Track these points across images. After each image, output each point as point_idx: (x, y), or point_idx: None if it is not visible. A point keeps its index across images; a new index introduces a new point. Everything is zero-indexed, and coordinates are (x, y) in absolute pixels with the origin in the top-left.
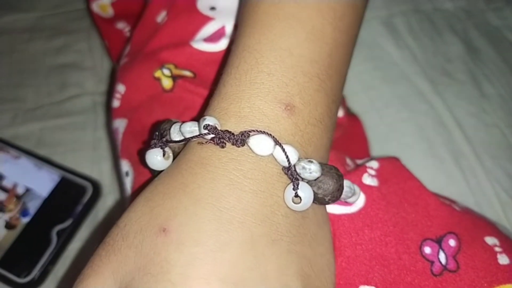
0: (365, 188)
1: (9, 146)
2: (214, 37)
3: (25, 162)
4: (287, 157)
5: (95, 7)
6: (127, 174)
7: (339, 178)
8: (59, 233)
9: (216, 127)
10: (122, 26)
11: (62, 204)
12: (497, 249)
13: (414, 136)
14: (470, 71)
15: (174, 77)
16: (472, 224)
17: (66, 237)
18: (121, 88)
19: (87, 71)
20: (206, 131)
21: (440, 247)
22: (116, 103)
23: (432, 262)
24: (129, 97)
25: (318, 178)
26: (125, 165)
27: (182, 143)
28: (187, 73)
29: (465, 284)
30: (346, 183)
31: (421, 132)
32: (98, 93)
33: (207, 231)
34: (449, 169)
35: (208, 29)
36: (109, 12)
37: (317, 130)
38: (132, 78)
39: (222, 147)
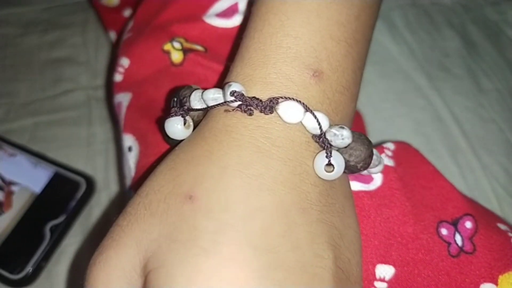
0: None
1: (3, 141)
2: (227, 13)
3: (19, 159)
4: (319, 123)
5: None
6: (130, 149)
7: (370, 144)
8: (52, 229)
9: (243, 94)
10: (129, 13)
11: (56, 200)
12: (510, 234)
13: (411, 131)
14: (467, 66)
15: (184, 51)
16: (484, 210)
17: (59, 233)
18: (124, 61)
19: (81, 65)
20: (232, 98)
21: (456, 229)
22: (118, 77)
23: (449, 243)
24: (133, 71)
25: (349, 145)
26: (128, 140)
27: (202, 111)
28: (199, 48)
29: (482, 266)
30: (373, 151)
31: (418, 127)
32: (92, 87)
33: (236, 198)
34: (446, 165)
35: (221, 5)
36: (115, 1)
37: (344, 99)
38: (138, 51)
39: (250, 114)
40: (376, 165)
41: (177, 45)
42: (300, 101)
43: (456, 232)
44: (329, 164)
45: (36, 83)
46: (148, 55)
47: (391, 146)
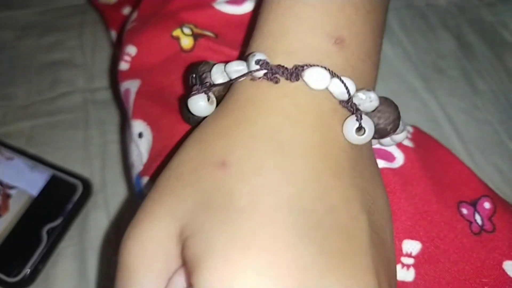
0: (404, 148)
1: (0, 145)
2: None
3: (16, 162)
4: (346, 88)
5: None
6: (140, 135)
7: (396, 106)
8: (49, 232)
9: (268, 62)
10: (128, 11)
11: (52, 203)
12: None
13: None
14: (462, 67)
15: (195, 36)
16: (499, 195)
17: (56, 236)
18: (131, 50)
19: (78, 68)
20: (257, 67)
21: (475, 209)
22: (124, 66)
23: (470, 222)
24: (142, 58)
25: (376, 108)
26: (139, 126)
27: (223, 86)
28: (209, 34)
29: (503, 245)
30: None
31: None
32: (89, 90)
33: (268, 163)
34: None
35: None
36: None
37: (366, 67)
38: (146, 38)
39: (276, 82)
40: (403, 130)
41: (187, 30)
42: (325, 67)
43: (476, 212)
44: (359, 128)
45: (33, 86)
46: (157, 42)
47: (410, 128)
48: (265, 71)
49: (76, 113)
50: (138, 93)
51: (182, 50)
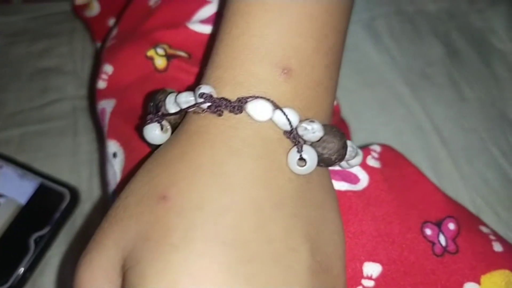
0: (368, 169)
1: None
2: (211, 19)
3: (5, 170)
4: (288, 119)
5: (86, 12)
6: (114, 155)
7: (342, 135)
8: (37, 241)
9: (211, 95)
10: (113, 23)
11: (40, 211)
12: (492, 237)
13: (391, 140)
14: (450, 75)
15: (168, 57)
16: (467, 213)
17: (44, 245)
18: (108, 68)
19: (67, 75)
20: (201, 100)
21: (440, 230)
22: (102, 84)
23: (433, 243)
24: (117, 78)
25: (321, 138)
26: (113, 146)
27: (178, 114)
28: (182, 54)
29: (465, 267)
30: (348, 143)
31: (399, 137)
32: (78, 97)
33: (207, 196)
34: (424, 172)
35: (205, 12)
36: (95, 8)
37: (316, 94)
38: (121, 58)
39: (219, 115)
40: (354, 157)
41: (160, 51)
42: (268, 99)
43: (440, 233)
44: (301, 158)
45: (23, 93)
46: (131, 61)
47: (377, 148)
48: (209, 104)
49: (65, 120)
50: (112, 112)
51: (156, 70)
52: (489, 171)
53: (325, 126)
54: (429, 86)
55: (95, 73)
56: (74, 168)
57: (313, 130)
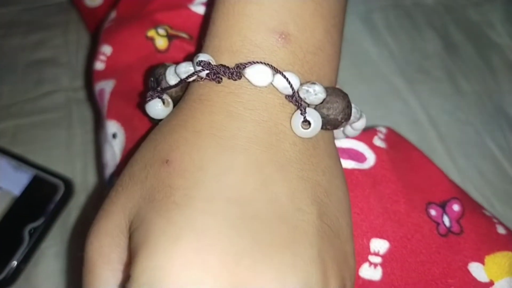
0: (375, 149)
1: None
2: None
3: (0, 162)
4: (289, 82)
5: (87, 1)
6: (114, 136)
7: (345, 95)
8: (31, 232)
9: (209, 63)
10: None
11: (35, 203)
12: (494, 220)
13: None
14: (446, 68)
15: (169, 37)
16: (470, 197)
17: (38, 236)
18: (106, 49)
19: (62, 67)
20: (200, 68)
21: (444, 211)
22: (99, 65)
23: (437, 223)
24: (117, 58)
25: (324, 99)
26: (113, 126)
27: (182, 85)
28: (183, 35)
29: (469, 247)
30: (352, 104)
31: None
32: (72, 89)
33: (209, 158)
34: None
35: None
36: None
37: (318, 59)
38: (121, 38)
39: (218, 82)
40: (358, 118)
41: (161, 31)
42: (267, 64)
43: (444, 214)
44: (305, 121)
45: (18, 85)
46: (132, 42)
47: (383, 129)
48: (207, 71)
49: (59, 112)
50: (112, 93)
51: (157, 50)
52: (485, 164)
53: (327, 88)
54: (425, 79)
55: (91, 59)
56: (69, 159)
57: (315, 92)
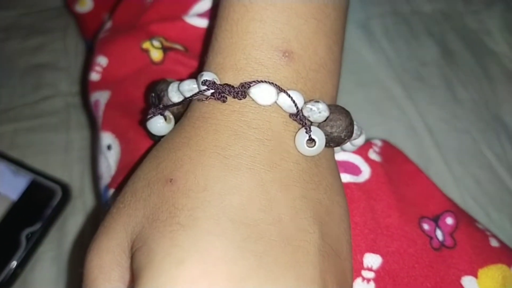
0: (370, 162)
1: None
2: (208, 13)
3: None
4: (293, 101)
5: (76, 7)
6: (109, 147)
7: (348, 113)
8: (28, 237)
9: (215, 82)
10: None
11: (32, 207)
12: (487, 233)
13: None
14: (444, 76)
15: (164, 49)
16: (463, 210)
17: (35, 241)
18: (102, 60)
19: (61, 71)
20: (205, 87)
21: (437, 225)
22: (95, 76)
23: (431, 238)
24: (112, 70)
25: (328, 117)
26: (108, 138)
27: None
28: (178, 47)
29: (462, 261)
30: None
31: (392, 138)
32: (71, 94)
33: (214, 177)
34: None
35: (203, 5)
36: (88, 4)
37: (320, 76)
38: (116, 49)
39: (223, 101)
40: (359, 135)
41: (156, 43)
42: (271, 83)
43: (437, 228)
44: (310, 139)
45: (16, 89)
46: (127, 53)
47: (378, 142)
48: (212, 90)
49: (57, 117)
50: (107, 104)
51: (152, 62)
52: (481, 172)
53: (330, 106)
54: (423, 87)
55: (87, 66)
56: (66, 164)
57: (319, 110)
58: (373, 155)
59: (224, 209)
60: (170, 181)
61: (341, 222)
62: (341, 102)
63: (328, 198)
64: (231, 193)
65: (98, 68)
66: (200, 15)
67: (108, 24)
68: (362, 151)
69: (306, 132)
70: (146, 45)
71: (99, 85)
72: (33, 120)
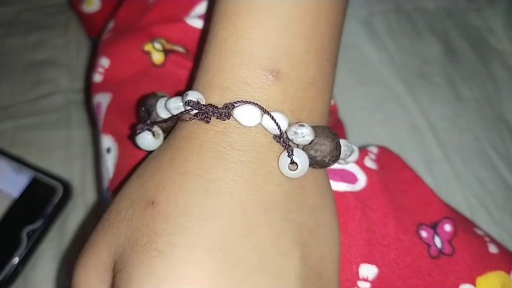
0: (366, 170)
1: None
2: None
3: (0, 164)
4: (276, 124)
5: (83, 7)
6: (108, 150)
7: (334, 136)
8: (29, 234)
9: (198, 102)
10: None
11: (33, 205)
12: (486, 239)
13: (386, 139)
14: (447, 73)
15: (166, 51)
16: (462, 215)
17: (36, 238)
18: (104, 62)
19: (62, 68)
20: (189, 107)
21: (435, 232)
22: (98, 78)
23: (429, 245)
24: (114, 71)
25: (312, 141)
26: (108, 141)
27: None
28: (180, 49)
29: (461, 269)
30: (343, 142)
31: (394, 136)
32: (72, 91)
33: (194, 202)
34: (419, 174)
35: (204, 7)
36: (95, 4)
37: (310, 94)
38: (118, 51)
39: (207, 122)
40: (349, 155)
41: (158, 45)
42: (256, 104)
43: (435, 235)
44: (293, 162)
45: (17, 86)
46: (128, 55)
47: (374, 149)
48: (196, 111)
49: (58, 114)
50: (108, 107)
51: (153, 65)
52: (484, 171)
53: (316, 128)
54: (425, 85)
55: (91, 66)
56: (67, 162)
57: (302, 135)
58: (369, 162)
59: (202, 236)
60: (152, 204)
61: (326, 242)
62: (342, 99)
63: (313, 218)
64: (211, 219)
65: (100, 70)
66: (201, 16)
67: (111, 24)
68: (358, 158)
69: (288, 156)
70: (147, 47)
71: (101, 87)
72: (33, 117)
